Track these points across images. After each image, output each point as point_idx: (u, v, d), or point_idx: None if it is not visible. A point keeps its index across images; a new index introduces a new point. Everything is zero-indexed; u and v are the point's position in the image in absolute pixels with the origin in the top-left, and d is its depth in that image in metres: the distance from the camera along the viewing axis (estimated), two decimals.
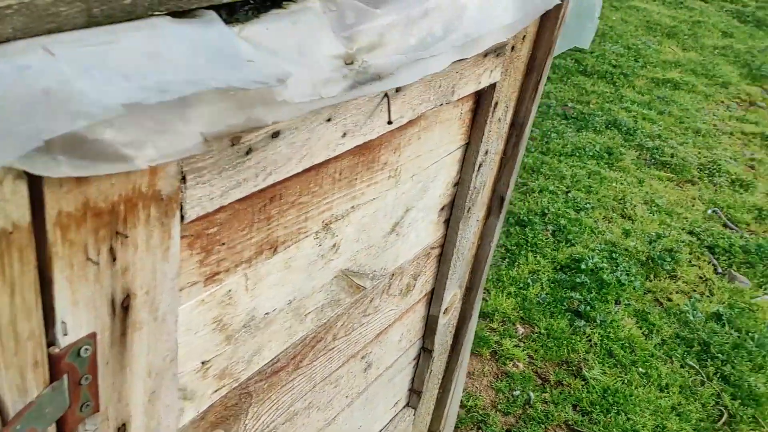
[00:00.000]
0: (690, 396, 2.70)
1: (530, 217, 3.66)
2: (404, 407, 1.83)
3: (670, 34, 7.12)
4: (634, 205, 3.98)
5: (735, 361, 2.86)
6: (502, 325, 2.93)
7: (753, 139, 5.21)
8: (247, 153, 0.79)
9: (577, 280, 3.19)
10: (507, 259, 3.34)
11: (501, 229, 1.71)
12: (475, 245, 1.68)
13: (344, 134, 0.96)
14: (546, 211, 3.74)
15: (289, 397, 1.25)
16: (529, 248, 3.42)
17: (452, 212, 1.51)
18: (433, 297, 1.65)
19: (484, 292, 3.13)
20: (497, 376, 2.69)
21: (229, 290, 0.95)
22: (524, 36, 1.35)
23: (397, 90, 1.02)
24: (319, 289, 1.16)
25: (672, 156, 4.63)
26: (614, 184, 4.17)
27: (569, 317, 3.00)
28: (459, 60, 1.14)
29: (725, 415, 2.63)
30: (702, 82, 6.07)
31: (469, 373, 2.68)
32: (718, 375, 2.81)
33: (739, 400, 2.69)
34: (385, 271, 1.36)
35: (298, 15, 0.77)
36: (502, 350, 2.79)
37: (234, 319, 0.98)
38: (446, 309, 1.69)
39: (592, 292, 3.15)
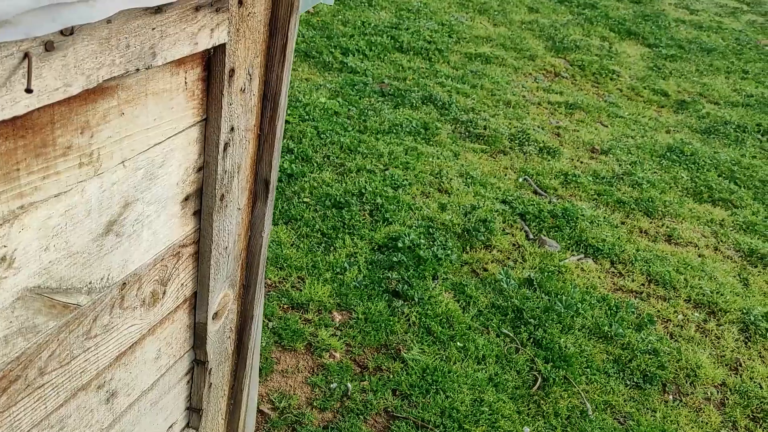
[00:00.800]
0: (506, 365, 2.70)
1: (347, 198, 3.53)
2: (183, 429, 1.59)
3: (481, 10, 7.34)
4: (450, 179, 3.99)
5: (546, 324, 2.93)
6: (317, 315, 2.76)
7: (558, 109, 5.48)
8: None
9: (395, 258, 3.11)
10: (323, 244, 3.18)
11: (271, 216, 1.51)
12: (243, 237, 1.47)
13: None
14: (363, 191, 3.62)
15: None
16: (347, 231, 3.29)
17: (202, 202, 1.29)
18: (197, 302, 1.42)
19: (298, 281, 2.94)
20: (313, 371, 2.52)
21: None
22: None
23: (47, 49, 0.77)
24: None
25: (485, 128, 4.72)
26: (431, 159, 4.16)
27: (387, 298, 2.90)
28: (146, 12, 0.91)
29: (539, 380, 2.67)
30: (511, 55, 6.30)
31: (282, 370, 2.49)
32: (531, 340, 2.86)
33: (551, 363, 2.74)
34: (108, 282, 1.10)
35: None
36: (318, 342, 2.63)
37: None
38: (216, 313, 1.47)
39: (409, 270, 3.08)
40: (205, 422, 1.62)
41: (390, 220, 3.43)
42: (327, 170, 3.78)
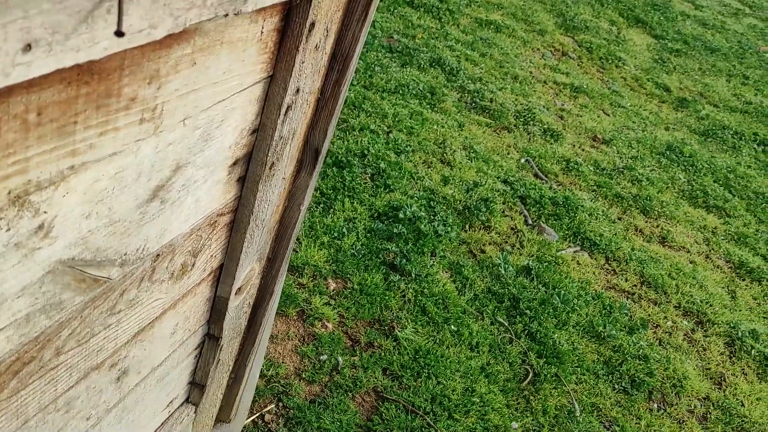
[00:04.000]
0: (499, 355, 2.63)
1: (349, 158, 3.36)
2: (182, 404, 1.46)
3: None
4: (454, 150, 3.85)
5: (542, 317, 2.86)
6: (312, 281, 2.63)
7: (563, 90, 5.35)
8: None
9: (395, 230, 2.98)
10: (322, 205, 3.02)
11: (313, 188, 1.36)
12: (280, 208, 1.32)
13: (29, 46, 0.53)
14: (366, 152, 3.46)
15: None
16: (347, 193, 3.13)
17: (248, 168, 1.13)
18: (222, 275, 1.27)
19: (294, 243, 2.79)
20: (303, 339, 2.40)
21: None
22: None
23: None
24: (19, 294, 0.73)
25: (491, 101, 4.57)
26: (435, 127, 4.00)
27: (384, 271, 2.78)
28: None
29: (530, 374, 2.60)
30: (521, 27, 6.11)
31: (272, 336, 2.36)
32: (526, 332, 2.78)
33: (544, 359, 2.68)
34: (144, 253, 0.95)
35: None
36: (311, 309, 2.50)
37: None
38: (240, 288, 1.33)
39: (408, 243, 2.96)
40: (205, 398, 1.49)
41: (391, 187, 3.28)
42: None
